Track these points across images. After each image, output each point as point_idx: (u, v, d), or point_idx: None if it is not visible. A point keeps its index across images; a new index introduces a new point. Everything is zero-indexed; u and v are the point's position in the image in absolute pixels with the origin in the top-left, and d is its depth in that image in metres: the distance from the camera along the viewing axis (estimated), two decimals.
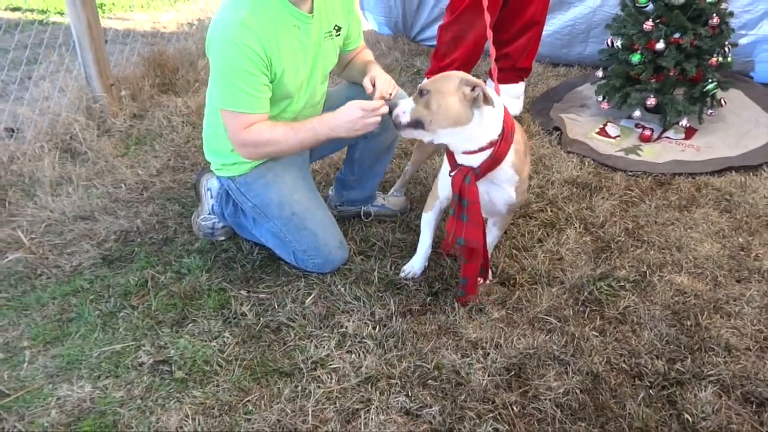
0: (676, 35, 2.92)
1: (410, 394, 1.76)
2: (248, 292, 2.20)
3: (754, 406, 1.69)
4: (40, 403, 1.78)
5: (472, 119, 1.82)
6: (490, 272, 2.18)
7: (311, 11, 2.03)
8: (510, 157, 1.90)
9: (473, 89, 1.80)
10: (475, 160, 1.87)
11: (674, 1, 2.87)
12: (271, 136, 2.00)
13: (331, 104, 2.21)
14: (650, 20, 2.95)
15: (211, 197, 2.45)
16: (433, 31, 4.45)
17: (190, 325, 2.05)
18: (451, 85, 1.82)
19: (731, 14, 2.98)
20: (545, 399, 1.74)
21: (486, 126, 1.84)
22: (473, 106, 1.81)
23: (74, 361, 1.92)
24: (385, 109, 1.94)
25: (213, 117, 2.15)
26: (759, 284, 2.12)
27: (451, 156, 1.96)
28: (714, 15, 2.88)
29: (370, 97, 2.04)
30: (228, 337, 1.99)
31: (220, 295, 2.18)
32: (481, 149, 1.85)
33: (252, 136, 1.99)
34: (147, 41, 4.43)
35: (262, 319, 2.06)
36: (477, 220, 1.90)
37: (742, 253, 2.29)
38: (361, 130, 1.97)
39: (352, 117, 1.96)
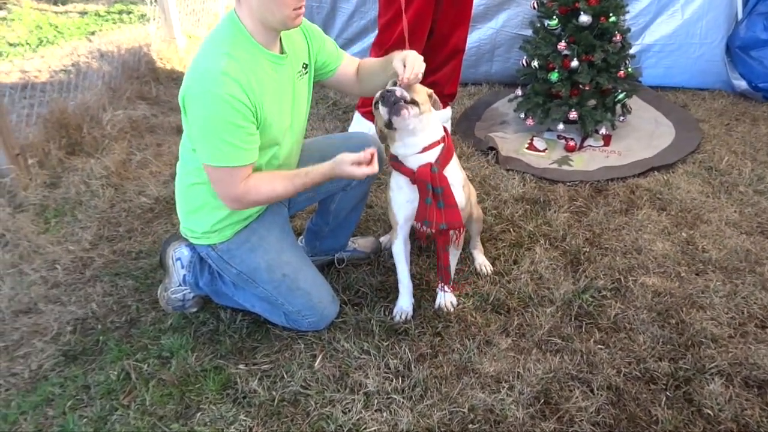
0: (587, 53, 3.18)
1: None
2: (247, 365, 2.07)
3: (756, 390, 1.89)
4: None
5: (433, 114, 2.06)
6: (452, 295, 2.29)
7: (282, 51, 1.97)
8: (455, 156, 2.13)
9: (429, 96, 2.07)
10: (432, 155, 2.03)
11: (582, 23, 3.13)
12: (271, 191, 1.92)
13: (312, 154, 2.16)
14: (562, 41, 3.18)
15: (182, 267, 2.28)
16: None
17: (198, 414, 1.89)
18: (417, 86, 2.04)
19: (628, 30, 3.30)
20: (581, 421, 1.82)
21: (436, 121, 2.07)
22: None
23: None
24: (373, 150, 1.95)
25: (191, 179, 2.01)
26: (715, 274, 2.37)
27: (403, 167, 2.06)
28: (617, 32, 3.17)
29: (356, 149, 2.00)
30: (245, 420, 1.86)
31: (218, 374, 2.03)
32: (436, 143, 2.04)
33: (250, 195, 1.90)
34: (26, 95, 4.02)
35: (274, 392, 1.95)
36: (453, 203, 2.06)
37: (691, 247, 2.54)
38: (359, 177, 1.96)
39: (346, 173, 1.93)
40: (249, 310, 2.24)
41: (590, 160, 3.22)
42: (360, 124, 3.45)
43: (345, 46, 4.38)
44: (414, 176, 2.04)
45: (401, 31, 2.81)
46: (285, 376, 2.01)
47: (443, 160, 2.05)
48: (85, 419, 1.89)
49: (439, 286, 2.28)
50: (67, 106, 3.50)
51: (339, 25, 4.30)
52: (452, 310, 2.26)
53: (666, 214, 2.77)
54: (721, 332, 2.09)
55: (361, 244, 2.58)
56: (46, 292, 2.44)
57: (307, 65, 2.12)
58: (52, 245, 2.73)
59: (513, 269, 2.46)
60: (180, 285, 2.28)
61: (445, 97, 3.43)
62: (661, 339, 2.08)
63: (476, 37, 4.01)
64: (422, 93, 2.03)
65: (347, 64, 2.23)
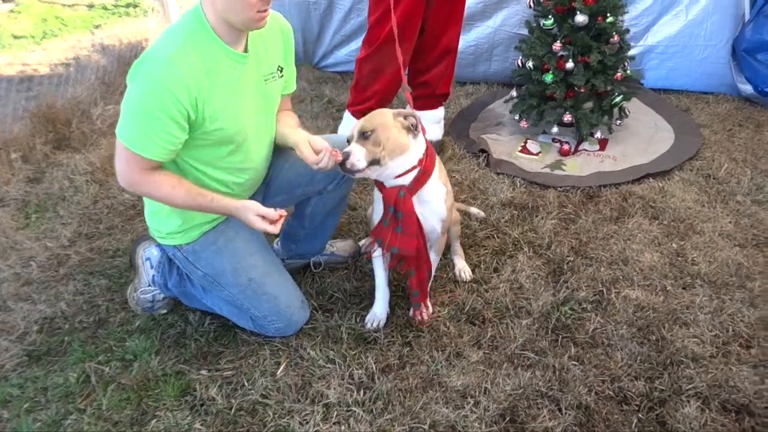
0: (583, 54, 3.07)
1: None
2: (209, 370, 2.02)
3: (733, 415, 1.79)
4: None
5: (410, 145, 1.94)
6: (429, 305, 2.21)
7: (246, 50, 1.90)
8: (436, 172, 2.02)
9: (406, 118, 1.95)
10: (406, 180, 1.96)
11: (578, 23, 3.02)
12: (168, 196, 1.86)
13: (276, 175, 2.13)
14: (558, 41, 3.08)
15: (151, 267, 2.24)
16: (336, 58, 4.42)
17: (153, 421, 1.85)
18: (388, 118, 1.94)
19: (627, 31, 3.19)
20: None
21: (417, 148, 1.97)
22: (409, 133, 1.95)
23: None
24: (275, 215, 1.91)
25: None
26: (703, 289, 2.27)
27: (380, 183, 2.01)
28: (614, 33, 3.06)
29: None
30: (200, 429, 1.81)
31: (178, 379, 1.98)
32: (412, 168, 1.96)
33: (145, 187, 1.85)
34: (23, 88, 4.02)
35: (233, 400, 1.90)
36: (413, 231, 1.98)
37: (680, 259, 2.44)
38: (258, 229, 1.93)
39: (248, 221, 1.91)
40: (217, 313, 2.19)
41: (584, 164, 3.12)
42: (349, 123, 3.38)
43: (342, 43, 4.32)
44: (382, 194, 2.00)
45: (390, 29, 2.75)
46: (246, 384, 1.95)
47: (416, 184, 1.97)
48: (39, 423, 1.86)
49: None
50: (56, 100, 3.48)
51: (336, 22, 4.23)
52: (426, 319, 2.19)
53: (658, 223, 2.66)
54: (703, 351, 2.00)
55: (339, 247, 2.51)
56: (17, 290, 2.41)
57: (282, 68, 2.06)
58: (30, 241, 2.70)
59: (493, 277, 2.38)
60: (149, 285, 2.24)
61: (438, 97, 3.34)
62: (639, 356, 1.99)
63: (474, 36, 3.92)
64: (387, 131, 1.89)
65: (285, 103, 2.20)
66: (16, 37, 5.65)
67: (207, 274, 2.05)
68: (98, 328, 2.23)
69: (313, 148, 1.95)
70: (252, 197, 2.18)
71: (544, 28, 3.16)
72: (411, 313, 2.21)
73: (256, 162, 2.04)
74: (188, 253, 2.04)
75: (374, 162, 1.89)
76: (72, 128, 3.45)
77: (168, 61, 1.72)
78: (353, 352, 2.06)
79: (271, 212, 1.87)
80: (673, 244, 2.52)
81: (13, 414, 1.89)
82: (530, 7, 3.25)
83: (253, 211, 1.88)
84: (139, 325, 2.22)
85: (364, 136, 1.90)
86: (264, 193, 2.21)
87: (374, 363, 2.00)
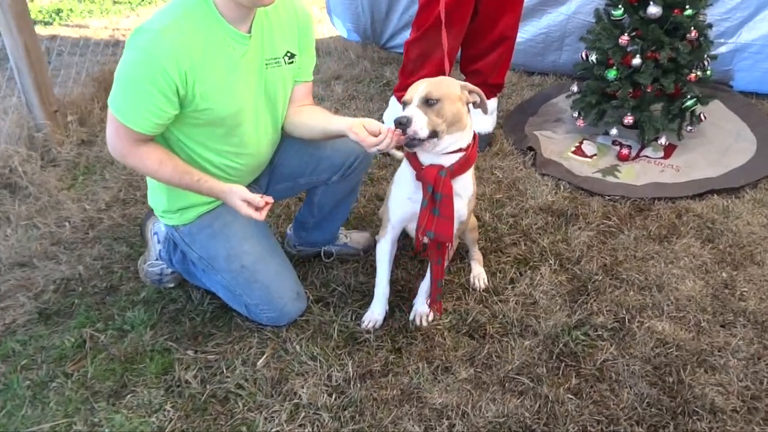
0: (653, 50, 2.76)
1: None
2: (195, 352, 2.02)
3: None
4: None
5: (468, 124, 1.83)
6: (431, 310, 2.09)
7: (249, 31, 1.83)
8: (472, 168, 1.92)
9: (470, 93, 1.84)
10: (448, 161, 1.83)
11: (650, 14, 2.71)
12: (154, 171, 1.83)
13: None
14: (626, 34, 2.79)
15: (158, 242, 2.26)
16: (404, 38, 4.26)
17: (129, 396, 1.86)
18: (456, 88, 1.82)
19: (710, 26, 2.83)
20: None
21: (470, 129, 1.85)
22: (468, 111, 1.84)
23: None
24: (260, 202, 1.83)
25: None
26: (745, 329, 1.98)
27: (414, 158, 1.87)
28: (692, 28, 2.72)
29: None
30: (169, 411, 1.81)
31: (163, 357, 1.99)
32: (459, 150, 1.83)
33: (132, 159, 1.81)
34: (102, 53, 4.19)
35: (208, 386, 1.88)
36: (449, 214, 1.86)
37: (726, 291, 2.15)
38: (242, 214, 1.86)
39: (235, 206, 1.85)
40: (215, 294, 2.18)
41: (641, 172, 2.83)
42: (395, 109, 3.26)
43: (410, 24, 4.15)
44: (421, 172, 1.85)
45: (440, 13, 2.60)
46: (225, 371, 1.93)
47: (458, 168, 1.84)
48: (29, 382, 1.92)
49: (419, 300, 2.10)
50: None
51: (405, 2, 4.09)
52: (425, 325, 2.07)
53: (711, 247, 2.36)
54: (725, 403, 1.74)
55: (354, 239, 2.43)
56: (46, 248, 2.52)
57: (293, 55, 1.97)
58: (71, 202, 2.82)
59: (507, 289, 2.21)
60: (157, 259, 2.26)
61: (490, 87, 3.14)
62: (647, 399, 1.77)
63: (545, 22, 3.66)
64: (454, 104, 1.77)
65: (303, 90, 2.06)
66: (115, 2, 5.94)
67: (202, 257, 2.04)
68: (107, 295, 2.28)
69: (368, 130, 1.80)
70: (256, 182, 2.14)
71: (613, 18, 2.86)
72: (411, 316, 2.10)
73: (253, 148, 1.97)
74: (184, 234, 2.03)
75: (433, 134, 1.74)
76: None
77: (160, 32, 1.68)
78: (339, 352, 1.98)
79: (257, 198, 1.81)
80: (723, 273, 2.22)
81: (9, 369, 1.97)
82: None
83: (239, 196, 1.82)
84: (144, 297, 2.26)
85: (428, 103, 1.75)
86: (268, 179, 2.16)
87: (357, 367, 1.91)
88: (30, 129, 3.03)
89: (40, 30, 5.23)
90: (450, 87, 1.81)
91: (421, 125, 1.73)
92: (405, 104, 1.81)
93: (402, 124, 1.73)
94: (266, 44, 1.89)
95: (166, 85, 1.70)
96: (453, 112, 1.77)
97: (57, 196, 2.85)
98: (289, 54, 1.95)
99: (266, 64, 1.90)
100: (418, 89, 1.79)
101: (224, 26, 1.77)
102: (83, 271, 2.39)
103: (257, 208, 1.83)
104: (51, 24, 5.44)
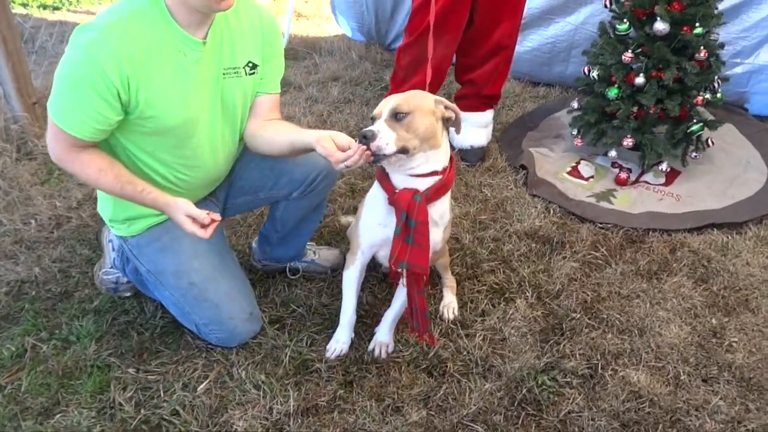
0: (658, 69, 2.57)
1: None
2: (137, 370, 1.91)
3: None
4: None
5: (442, 142, 1.70)
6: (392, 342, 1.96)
7: (205, 38, 1.70)
8: (449, 193, 1.79)
9: (446, 108, 1.71)
10: (423, 184, 1.69)
11: (657, 31, 2.52)
12: (94, 179, 1.71)
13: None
14: (630, 51, 2.60)
15: (113, 250, 2.15)
16: None
17: (59, 415, 1.76)
18: (429, 101, 1.69)
19: (722, 46, 2.63)
20: None
21: (445, 149, 1.72)
22: (443, 128, 1.71)
23: None
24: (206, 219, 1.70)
25: None
26: (728, 386, 1.81)
27: (387, 181, 1.72)
28: (702, 48, 2.53)
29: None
30: None
31: (102, 374, 1.89)
32: (435, 173, 1.69)
33: (71, 165, 1.70)
34: None
35: (142, 411, 1.77)
36: (424, 243, 1.70)
37: (714, 340, 1.97)
38: (185, 230, 1.72)
39: (178, 221, 1.71)
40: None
41: (638, 199, 2.65)
42: None
43: None
44: (394, 197, 1.70)
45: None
46: (163, 395, 1.82)
47: (434, 193, 1.69)
48: None
49: (382, 330, 1.96)
50: None
51: (409, 2, 3.92)
52: (384, 357, 1.93)
53: (704, 288, 2.18)
54: None
55: (323, 256, 2.30)
56: (6, 247, 2.44)
57: (255, 65, 1.83)
58: (43, 198, 2.73)
59: (476, 321, 2.06)
60: (112, 267, 2.16)
61: (484, 99, 2.99)
62: None
63: (552, 32, 3.48)
64: (426, 118, 1.64)
65: (268, 104, 1.91)
66: None
67: (150, 271, 1.93)
68: (59, 301, 2.19)
69: (337, 144, 1.65)
70: (213, 195, 2.02)
71: (618, 33, 2.68)
72: (370, 346, 1.96)
73: (208, 161, 1.85)
74: (132, 246, 1.92)
75: (402, 150, 1.61)
76: None
77: (102, 30, 1.56)
78: (287, 381, 1.85)
79: (202, 215, 1.68)
80: (713, 319, 2.05)
81: None
82: (606, 6, 2.77)
83: (183, 211, 1.70)
84: (96, 306, 2.16)
85: (396, 117, 1.61)
86: (227, 192, 2.04)
87: (302, 400, 1.79)
88: (7, 120, 2.95)
89: (47, 15, 5.20)
90: (422, 100, 1.67)
91: (387, 141, 1.59)
92: (373, 119, 1.68)
93: (366, 138, 1.59)
94: (225, 53, 1.75)
95: (106, 89, 1.58)
96: (425, 126, 1.63)
97: (28, 191, 2.76)
98: (250, 64, 1.82)
99: (224, 74, 1.77)
100: (389, 103, 1.65)
101: (175, 30, 1.65)
102: (39, 274, 2.30)
103: (203, 226, 1.71)
104: (59, 9, 5.39)
